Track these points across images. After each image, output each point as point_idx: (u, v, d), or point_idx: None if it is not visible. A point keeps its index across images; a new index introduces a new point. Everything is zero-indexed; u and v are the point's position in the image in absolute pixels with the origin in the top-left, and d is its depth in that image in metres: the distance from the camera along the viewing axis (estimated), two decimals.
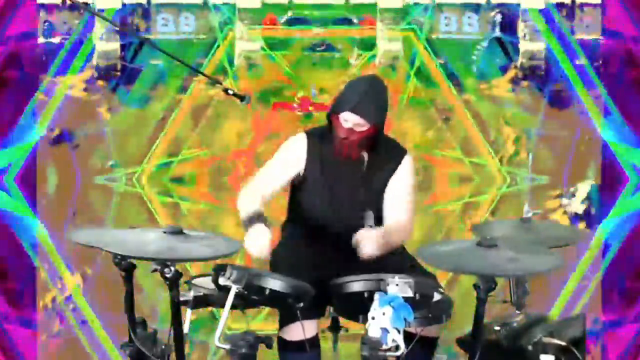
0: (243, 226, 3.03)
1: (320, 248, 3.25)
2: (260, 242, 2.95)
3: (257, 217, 3.01)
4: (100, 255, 4.28)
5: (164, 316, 3.81)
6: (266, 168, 3.34)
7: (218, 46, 4.47)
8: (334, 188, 3.26)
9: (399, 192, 3.32)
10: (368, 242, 3.04)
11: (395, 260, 3.22)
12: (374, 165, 3.29)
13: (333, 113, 3.23)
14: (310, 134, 3.34)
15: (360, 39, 4.49)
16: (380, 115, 3.23)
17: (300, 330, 2.96)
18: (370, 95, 3.18)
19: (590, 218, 4.51)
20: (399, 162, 3.34)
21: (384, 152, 3.31)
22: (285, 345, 3.09)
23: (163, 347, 2.83)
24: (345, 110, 3.17)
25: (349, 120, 3.17)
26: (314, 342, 3.08)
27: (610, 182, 4.51)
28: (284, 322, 3.09)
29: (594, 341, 4.28)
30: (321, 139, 3.29)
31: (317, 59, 4.50)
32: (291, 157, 3.30)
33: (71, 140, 4.45)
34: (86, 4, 4.33)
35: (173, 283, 2.62)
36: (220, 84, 3.33)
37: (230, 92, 3.33)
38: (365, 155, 3.27)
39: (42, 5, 4.40)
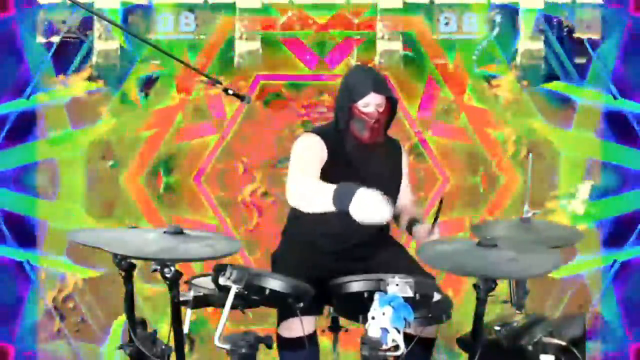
0: (336, 201, 2.77)
1: (321, 248, 3.25)
2: (379, 201, 2.73)
3: (352, 184, 2.77)
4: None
5: None
6: (299, 164, 3.16)
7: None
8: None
9: (407, 178, 3.46)
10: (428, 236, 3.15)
11: (395, 259, 3.22)
12: (384, 156, 3.30)
13: (351, 102, 3.18)
14: (320, 135, 3.26)
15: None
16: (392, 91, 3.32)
17: (298, 327, 2.95)
18: (378, 74, 3.29)
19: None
20: (401, 151, 3.43)
21: (386, 143, 3.33)
22: (283, 342, 3.09)
23: (163, 347, 2.83)
24: (368, 94, 3.16)
25: (371, 103, 3.17)
26: (312, 338, 3.08)
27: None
28: (281, 318, 3.09)
29: None
30: (332, 138, 3.24)
31: None
32: (319, 153, 3.19)
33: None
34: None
35: (173, 283, 2.62)
36: (220, 84, 3.32)
37: (230, 92, 3.32)
38: (381, 148, 3.29)
39: (42, 6, 4.41)
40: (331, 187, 2.81)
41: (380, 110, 3.19)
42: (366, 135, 3.19)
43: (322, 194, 2.83)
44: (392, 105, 3.25)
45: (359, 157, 3.22)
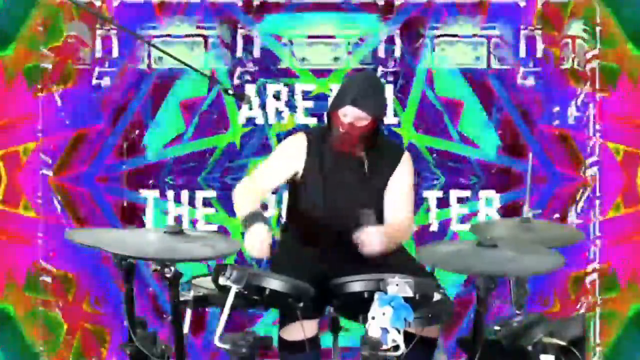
0: (242, 225, 3.02)
1: (320, 248, 3.25)
2: (260, 242, 2.94)
3: (256, 216, 3.00)
4: None
5: None
6: (266, 164, 3.37)
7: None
8: (334, 188, 3.26)
9: (399, 190, 3.33)
10: (370, 239, 3.05)
11: (396, 259, 3.22)
12: (374, 164, 3.30)
13: (333, 110, 3.23)
14: (309, 134, 3.35)
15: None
16: (379, 109, 3.27)
17: (300, 330, 2.96)
18: (368, 89, 3.22)
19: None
20: (398, 161, 3.36)
21: (383, 151, 3.32)
22: (285, 345, 3.09)
23: (163, 347, 2.83)
24: (345, 105, 3.17)
25: (349, 114, 3.18)
26: (314, 342, 3.08)
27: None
28: (284, 322, 3.10)
29: None
30: (321, 139, 3.30)
31: None
32: (291, 154, 3.31)
33: None
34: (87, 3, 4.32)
35: (173, 283, 2.62)
36: (221, 84, 3.33)
37: (230, 92, 3.33)
38: (365, 154, 3.28)
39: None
40: (245, 211, 3.05)
41: (359, 124, 3.18)
42: (337, 143, 3.22)
43: (241, 211, 3.10)
44: (377, 120, 3.25)
45: (332, 162, 3.27)
